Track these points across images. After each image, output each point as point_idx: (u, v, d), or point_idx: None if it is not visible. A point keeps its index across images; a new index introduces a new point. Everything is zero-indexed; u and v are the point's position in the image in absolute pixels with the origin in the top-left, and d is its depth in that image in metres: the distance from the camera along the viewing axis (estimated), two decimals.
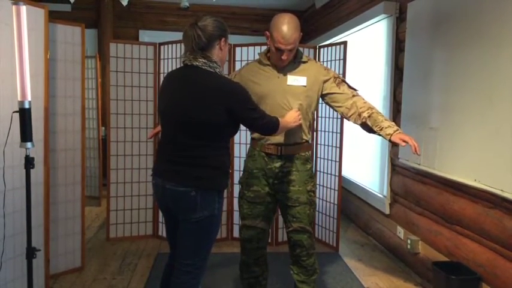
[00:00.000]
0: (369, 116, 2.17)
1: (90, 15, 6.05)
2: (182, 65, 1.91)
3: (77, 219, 3.03)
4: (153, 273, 3.08)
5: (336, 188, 3.62)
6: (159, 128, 2.12)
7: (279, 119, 2.00)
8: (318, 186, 3.76)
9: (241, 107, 1.84)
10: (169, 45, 3.69)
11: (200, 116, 1.79)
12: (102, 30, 6.01)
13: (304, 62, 2.28)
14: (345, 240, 3.93)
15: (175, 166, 1.85)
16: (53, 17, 2.72)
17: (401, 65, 3.35)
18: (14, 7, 1.97)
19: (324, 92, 2.29)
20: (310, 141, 2.39)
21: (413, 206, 3.21)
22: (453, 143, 2.62)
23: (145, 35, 6.28)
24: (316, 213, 3.79)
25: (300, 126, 2.21)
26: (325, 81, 2.27)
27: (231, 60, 3.70)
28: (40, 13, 2.56)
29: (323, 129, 3.78)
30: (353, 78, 4.17)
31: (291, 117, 2.08)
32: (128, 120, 3.75)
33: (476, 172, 2.40)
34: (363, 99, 2.26)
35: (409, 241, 3.16)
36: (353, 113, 2.23)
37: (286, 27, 2.08)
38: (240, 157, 3.68)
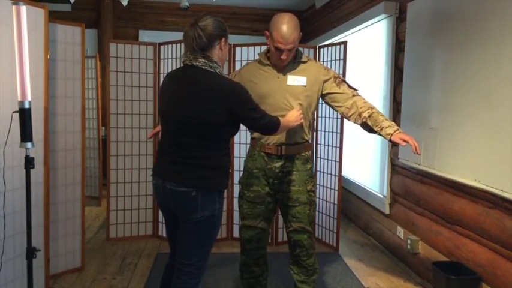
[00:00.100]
0: (369, 116, 2.17)
1: (90, 15, 6.05)
2: (182, 65, 1.91)
3: (77, 219, 3.03)
4: (153, 273, 3.08)
5: (336, 188, 3.62)
6: (159, 128, 2.12)
7: (280, 118, 2.00)
8: (318, 186, 3.76)
9: (241, 107, 1.84)
10: (169, 45, 3.69)
11: (200, 116, 1.79)
12: (102, 30, 6.01)
13: (304, 62, 2.28)
14: (345, 240, 3.93)
15: (176, 166, 1.85)
16: (53, 17, 2.72)
17: (401, 65, 3.35)
18: (14, 7, 1.97)
19: (324, 92, 2.28)
20: (310, 141, 2.39)
21: (414, 206, 3.21)
22: (453, 143, 2.62)
23: (145, 35, 6.28)
24: (316, 213, 3.79)
25: (300, 126, 2.21)
26: (325, 81, 2.27)
27: (231, 60, 3.70)
28: (40, 13, 2.56)
29: (323, 129, 3.78)
30: (353, 78, 4.18)
31: (292, 117, 2.07)
32: (127, 120, 3.75)
33: (476, 172, 2.40)
34: (363, 99, 2.26)
35: (409, 241, 3.16)
36: (353, 112, 2.23)
37: (286, 26, 2.08)
38: (240, 157, 3.68)
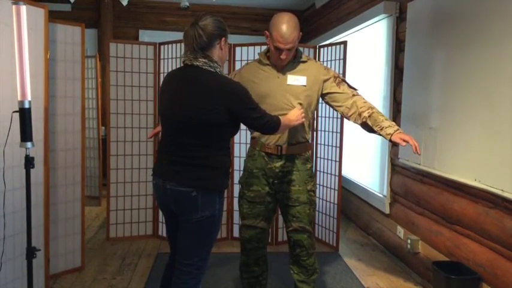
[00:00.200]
0: (369, 116, 2.17)
1: (90, 15, 6.05)
2: (182, 64, 1.91)
3: (77, 219, 3.02)
4: (153, 273, 3.08)
5: (336, 188, 3.62)
6: (159, 128, 2.12)
7: (280, 118, 1.99)
8: (318, 186, 3.76)
9: (241, 107, 1.84)
10: (169, 45, 3.69)
11: (200, 116, 1.79)
12: (102, 30, 6.01)
13: (304, 62, 2.27)
14: (345, 240, 3.93)
15: (176, 166, 1.85)
16: (53, 17, 2.72)
17: (401, 65, 3.35)
18: (14, 7, 1.97)
19: (324, 92, 2.28)
20: (310, 141, 2.39)
21: (414, 205, 3.21)
22: (453, 143, 2.62)
23: (145, 35, 6.28)
24: (316, 213, 3.79)
25: (300, 125, 2.20)
26: (325, 81, 2.27)
27: (231, 60, 3.70)
28: (40, 13, 2.56)
29: (323, 129, 3.78)
30: (353, 78, 4.17)
31: (293, 115, 2.07)
32: (127, 120, 3.74)
33: (477, 172, 2.40)
34: (363, 98, 2.26)
35: (409, 241, 3.16)
36: (353, 112, 2.22)
37: (286, 26, 2.08)
38: (240, 157, 3.68)
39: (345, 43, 3.49)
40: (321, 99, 2.35)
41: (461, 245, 2.65)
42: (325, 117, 3.76)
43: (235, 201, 3.45)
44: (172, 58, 3.67)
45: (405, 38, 3.24)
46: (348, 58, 3.51)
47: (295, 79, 2.22)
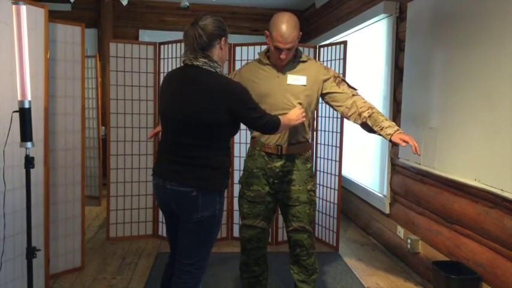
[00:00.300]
0: (369, 116, 2.17)
1: (90, 15, 6.05)
2: (182, 64, 1.91)
3: (77, 219, 3.02)
4: (153, 273, 3.08)
5: (336, 188, 3.62)
6: (159, 127, 2.12)
7: (280, 117, 1.99)
8: (318, 185, 3.76)
9: (241, 107, 1.84)
10: (169, 45, 3.69)
11: (200, 115, 1.79)
12: (102, 30, 6.01)
13: (304, 62, 2.27)
14: (345, 240, 3.93)
15: (176, 166, 1.85)
16: (53, 17, 2.72)
17: (401, 65, 3.35)
18: (14, 7, 1.97)
19: (324, 92, 2.28)
20: (310, 141, 2.39)
21: (414, 205, 3.21)
22: (453, 143, 2.62)
23: (145, 35, 6.28)
24: (316, 212, 3.79)
25: (300, 125, 2.21)
26: (325, 81, 2.27)
27: (231, 59, 3.70)
28: (40, 13, 2.56)
29: (323, 129, 3.78)
30: (353, 78, 4.17)
31: (293, 115, 2.07)
32: (127, 120, 3.74)
33: (477, 172, 2.40)
34: (363, 98, 2.26)
35: (409, 241, 3.16)
36: (353, 112, 2.23)
37: (285, 26, 2.08)
38: (240, 157, 3.68)
39: (345, 43, 3.49)
40: (320, 99, 2.35)
41: (461, 245, 2.65)
42: (325, 117, 3.76)
43: (235, 201, 3.45)
44: (172, 58, 3.67)
45: (405, 38, 3.24)
46: (348, 58, 3.51)
47: (295, 79, 2.22)
